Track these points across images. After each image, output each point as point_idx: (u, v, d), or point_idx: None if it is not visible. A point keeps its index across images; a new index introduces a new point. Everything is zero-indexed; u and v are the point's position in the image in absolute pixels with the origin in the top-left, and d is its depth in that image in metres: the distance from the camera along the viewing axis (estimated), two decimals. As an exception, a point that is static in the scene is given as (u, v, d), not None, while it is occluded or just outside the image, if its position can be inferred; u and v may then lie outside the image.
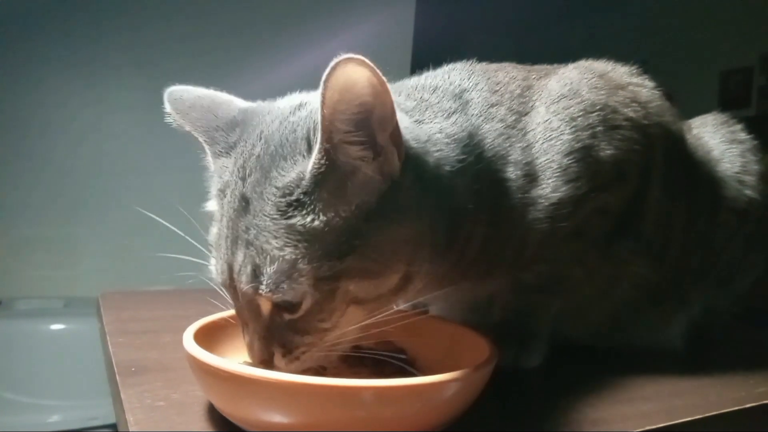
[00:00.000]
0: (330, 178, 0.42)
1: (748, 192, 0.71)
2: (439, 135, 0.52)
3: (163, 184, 2.21)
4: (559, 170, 0.56)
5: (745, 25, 2.94)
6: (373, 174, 0.44)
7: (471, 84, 0.59)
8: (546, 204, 0.56)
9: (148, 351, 0.60)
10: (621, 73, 0.66)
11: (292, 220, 0.42)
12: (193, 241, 0.49)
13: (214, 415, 0.43)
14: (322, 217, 0.42)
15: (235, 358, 0.50)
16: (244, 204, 0.44)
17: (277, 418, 0.38)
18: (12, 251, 2.16)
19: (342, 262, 0.43)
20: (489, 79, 0.60)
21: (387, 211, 0.44)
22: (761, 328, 0.90)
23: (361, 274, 0.44)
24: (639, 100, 0.63)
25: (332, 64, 0.39)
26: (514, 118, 0.58)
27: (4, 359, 1.82)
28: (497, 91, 0.59)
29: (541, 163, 0.57)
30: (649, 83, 0.67)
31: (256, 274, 0.43)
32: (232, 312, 0.53)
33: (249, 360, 0.50)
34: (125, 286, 2.15)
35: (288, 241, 0.42)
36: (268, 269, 0.42)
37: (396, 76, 0.61)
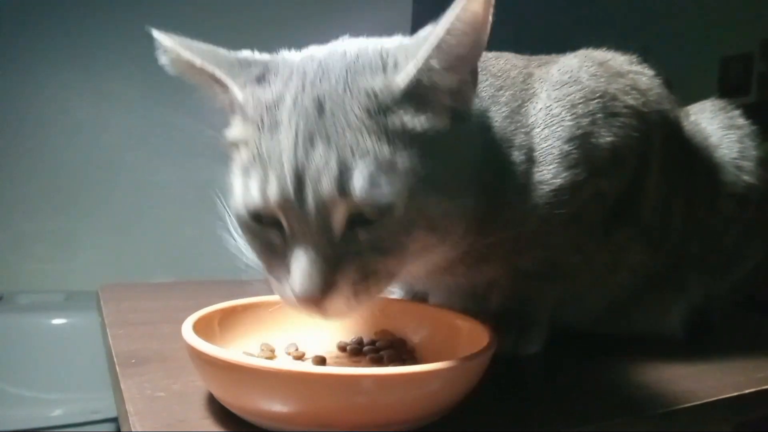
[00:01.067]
0: (418, 95, 0.43)
1: (746, 178, 0.71)
2: None
3: (161, 176, 2.21)
4: (559, 156, 0.56)
5: (745, 11, 2.93)
6: (452, 103, 0.45)
7: None
8: (546, 189, 0.56)
9: (148, 342, 0.60)
10: (621, 61, 0.66)
11: (386, 120, 0.42)
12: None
13: (214, 405, 0.43)
14: (419, 120, 0.43)
15: (235, 348, 0.50)
16: (319, 107, 0.42)
17: (277, 407, 0.39)
18: (12, 245, 2.16)
19: (432, 169, 0.42)
20: (491, 65, 0.60)
21: (461, 137, 0.47)
22: (762, 314, 0.90)
23: (443, 189, 0.44)
24: (638, 87, 0.63)
25: None
26: (517, 103, 0.58)
27: (6, 353, 1.82)
28: (500, 76, 0.59)
29: (542, 148, 0.57)
30: (649, 71, 0.67)
31: (342, 173, 0.39)
32: (230, 303, 0.53)
33: (248, 350, 0.51)
34: (125, 278, 2.16)
35: (382, 138, 0.41)
36: (361, 165, 0.39)
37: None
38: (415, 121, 0.43)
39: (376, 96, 0.42)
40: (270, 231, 0.43)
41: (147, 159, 2.23)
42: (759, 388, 0.56)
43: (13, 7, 2.07)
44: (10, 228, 2.16)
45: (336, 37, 0.52)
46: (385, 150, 0.41)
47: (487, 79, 0.58)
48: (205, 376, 0.43)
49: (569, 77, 0.60)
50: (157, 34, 0.47)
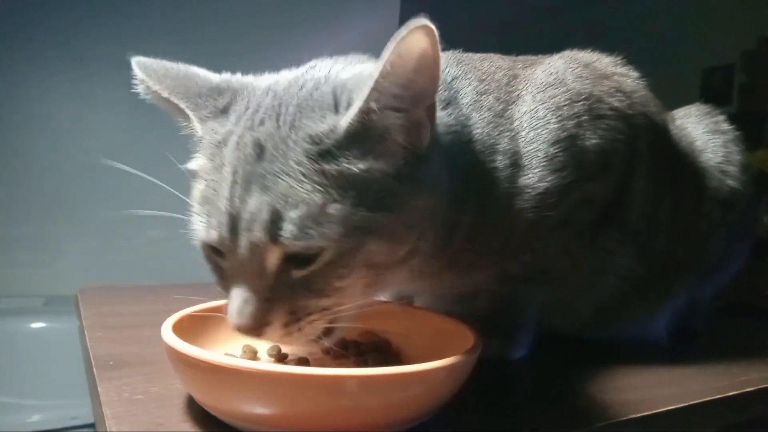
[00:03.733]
0: (362, 139, 0.42)
1: (730, 182, 0.72)
2: (440, 122, 0.52)
3: (145, 181, 2.19)
4: (545, 159, 0.56)
5: (726, 23, 2.97)
6: (403, 142, 0.44)
7: (460, 72, 0.58)
8: (532, 194, 0.56)
9: (127, 345, 0.58)
10: (606, 63, 0.66)
11: (324, 165, 0.41)
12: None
13: (194, 408, 0.42)
14: (359, 166, 0.42)
15: (217, 350, 0.49)
16: (258, 151, 0.42)
17: (259, 409, 0.38)
18: (-9, 249, 2.13)
19: (374, 214, 0.42)
20: (476, 68, 0.60)
21: (415, 178, 0.45)
22: (745, 318, 0.91)
23: (385, 234, 0.43)
24: (624, 90, 0.63)
25: (408, 27, 0.38)
26: (501, 107, 0.58)
27: (-16, 359, 1.79)
28: (485, 79, 0.59)
29: (527, 152, 0.56)
30: (634, 73, 0.67)
31: (273, 220, 0.40)
32: (211, 304, 0.52)
33: (230, 352, 0.50)
34: (106, 283, 2.12)
35: (317, 186, 0.41)
36: (291, 213, 0.40)
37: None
38: (357, 165, 0.42)
39: (319, 141, 0.42)
40: (219, 258, 0.45)
41: (130, 163, 2.21)
42: (742, 391, 0.56)
43: (-3, 8, 2.05)
44: (-11, 231, 2.13)
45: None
46: (317, 198, 0.41)
47: (470, 84, 0.58)
48: (185, 378, 0.42)
49: (554, 79, 0.60)
50: (134, 63, 0.50)
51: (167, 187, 0.48)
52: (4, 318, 1.92)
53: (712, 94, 2.99)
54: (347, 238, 0.41)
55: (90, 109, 2.25)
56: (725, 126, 0.76)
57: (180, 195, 0.48)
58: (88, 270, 2.20)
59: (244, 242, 0.42)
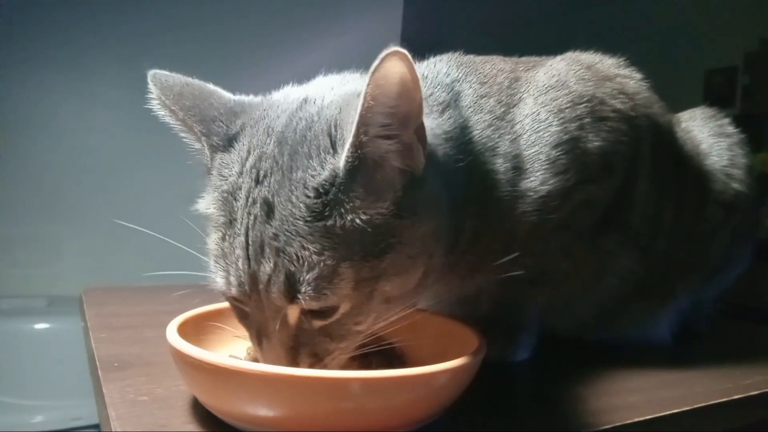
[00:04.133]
0: (362, 173, 0.41)
1: (735, 185, 0.71)
2: (437, 131, 0.51)
3: (146, 181, 2.19)
4: (547, 162, 0.56)
5: (730, 25, 2.97)
6: (400, 168, 0.43)
7: (461, 74, 0.58)
8: (535, 197, 0.56)
9: (131, 346, 0.59)
10: (608, 64, 0.66)
11: (329, 221, 0.41)
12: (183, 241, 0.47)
13: (198, 409, 0.43)
14: (362, 215, 0.41)
15: (220, 352, 0.49)
16: (267, 209, 0.42)
17: (263, 411, 0.38)
18: (-6, 250, 2.13)
19: (382, 261, 0.42)
20: (477, 70, 0.60)
21: (415, 205, 0.44)
22: (748, 321, 0.90)
23: (396, 271, 0.43)
24: (626, 91, 0.63)
25: (381, 56, 0.37)
26: (502, 110, 0.57)
27: (-13, 359, 1.79)
28: (486, 82, 0.59)
29: (529, 155, 0.56)
30: (637, 75, 0.67)
31: (291, 283, 0.41)
32: (215, 306, 0.53)
33: (234, 354, 0.50)
34: (109, 283, 2.13)
35: (326, 244, 0.41)
36: (306, 276, 0.41)
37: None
38: (360, 215, 0.41)
39: (325, 191, 0.41)
40: (242, 305, 0.45)
41: (132, 163, 2.21)
42: (746, 395, 0.56)
43: (-1, 10, 2.05)
44: (-8, 232, 2.13)
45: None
46: (328, 258, 0.41)
47: (470, 87, 0.57)
48: (190, 379, 0.42)
49: (556, 81, 0.60)
50: (150, 77, 0.48)
51: (176, 244, 0.48)
52: (7, 319, 1.92)
53: (715, 96, 2.98)
54: (360, 289, 0.42)
55: (91, 109, 2.26)
56: (730, 129, 0.76)
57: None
58: (90, 270, 2.20)
59: (264, 301, 0.42)
